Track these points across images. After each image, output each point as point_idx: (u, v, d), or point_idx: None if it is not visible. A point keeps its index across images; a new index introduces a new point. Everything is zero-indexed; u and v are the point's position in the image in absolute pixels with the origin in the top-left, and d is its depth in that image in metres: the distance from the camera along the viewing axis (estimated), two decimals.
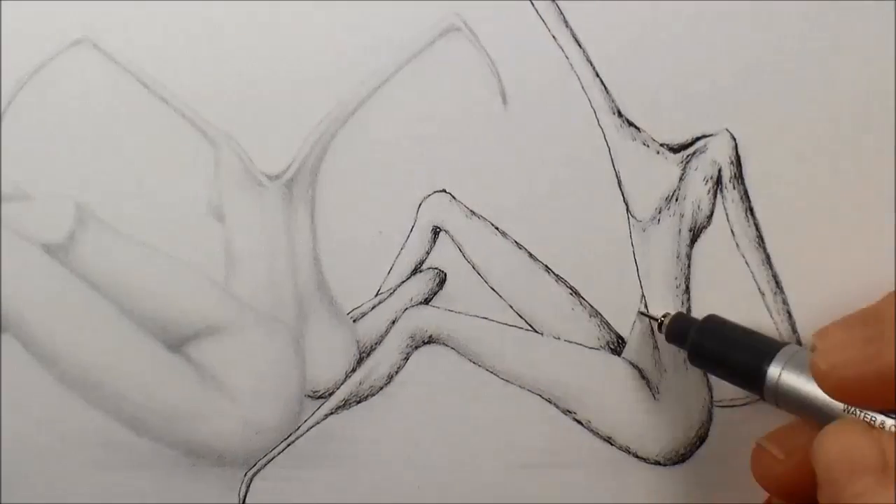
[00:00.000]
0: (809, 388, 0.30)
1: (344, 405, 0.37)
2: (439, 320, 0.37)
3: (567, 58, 0.36)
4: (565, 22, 0.36)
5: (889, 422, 0.28)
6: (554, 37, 0.36)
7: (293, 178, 0.37)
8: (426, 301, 0.37)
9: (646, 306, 0.37)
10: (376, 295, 0.37)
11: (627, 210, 0.37)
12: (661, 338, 0.36)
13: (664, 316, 0.36)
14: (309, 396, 0.37)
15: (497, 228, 0.37)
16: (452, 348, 0.37)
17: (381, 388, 0.37)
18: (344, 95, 0.36)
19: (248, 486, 0.37)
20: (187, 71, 0.36)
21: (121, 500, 0.37)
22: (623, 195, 0.37)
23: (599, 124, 0.37)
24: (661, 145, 0.37)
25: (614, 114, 0.37)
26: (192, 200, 0.37)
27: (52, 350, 0.37)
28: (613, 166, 0.37)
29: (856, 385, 0.28)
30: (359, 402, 0.37)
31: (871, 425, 0.28)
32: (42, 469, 0.38)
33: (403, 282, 0.37)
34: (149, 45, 0.36)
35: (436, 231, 0.37)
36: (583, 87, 0.37)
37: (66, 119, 0.36)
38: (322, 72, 0.36)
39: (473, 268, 0.37)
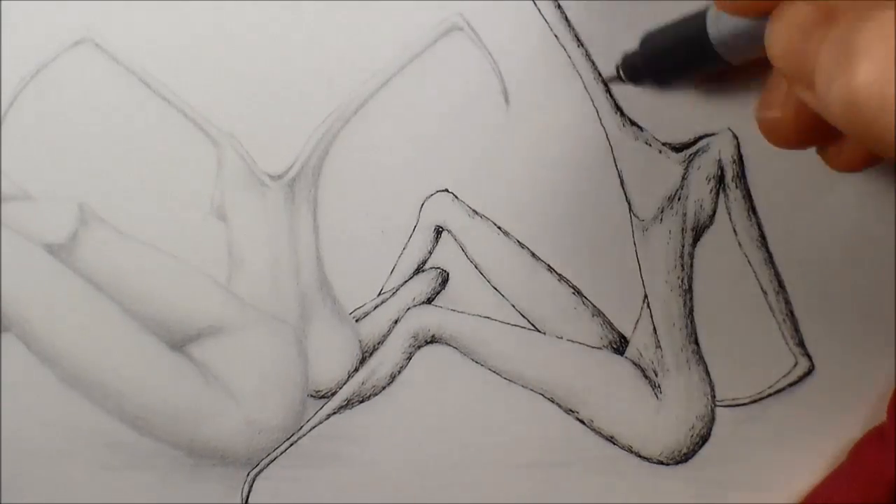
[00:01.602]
0: (744, 22, 0.30)
1: (347, 405, 0.37)
2: (442, 320, 0.37)
3: (569, 57, 0.36)
4: (567, 21, 0.36)
5: None
6: (556, 36, 0.36)
7: (296, 178, 0.37)
8: (429, 300, 0.37)
9: (648, 306, 0.37)
10: (379, 294, 0.37)
11: (630, 209, 0.37)
12: (665, 336, 0.36)
13: (617, 68, 0.36)
14: (312, 396, 0.37)
15: (499, 228, 0.37)
16: (455, 348, 0.37)
17: (384, 388, 0.37)
18: (346, 95, 0.36)
19: (251, 486, 0.37)
20: (190, 71, 0.36)
21: (123, 500, 0.37)
22: (625, 194, 0.37)
23: (602, 123, 0.37)
24: (664, 144, 0.37)
25: (616, 113, 0.37)
26: (194, 200, 0.37)
27: (54, 350, 0.37)
28: (616, 166, 0.37)
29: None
30: (361, 401, 0.37)
31: None
32: (44, 469, 0.37)
33: (406, 281, 0.37)
34: (151, 45, 0.36)
35: (438, 230, 0.37)
36: (585, 87, 0.37)
37: (69, 119, 0.36)
38: (324, 71, 0.36)
39: (476, 267, 0.37)
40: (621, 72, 0.36)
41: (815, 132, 0.31)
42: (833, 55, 0.23)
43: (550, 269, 0.37)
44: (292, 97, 0.36)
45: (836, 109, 0.23)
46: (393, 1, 0.36)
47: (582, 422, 0.37)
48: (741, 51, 0.32)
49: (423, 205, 0.37)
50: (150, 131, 0.36)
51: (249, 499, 0.38)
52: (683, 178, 0.37)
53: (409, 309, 0.37)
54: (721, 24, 0.32)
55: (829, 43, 0.24)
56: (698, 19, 0.33)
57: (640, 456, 0.38)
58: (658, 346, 0.37)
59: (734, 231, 0.37)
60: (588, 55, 0.36)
